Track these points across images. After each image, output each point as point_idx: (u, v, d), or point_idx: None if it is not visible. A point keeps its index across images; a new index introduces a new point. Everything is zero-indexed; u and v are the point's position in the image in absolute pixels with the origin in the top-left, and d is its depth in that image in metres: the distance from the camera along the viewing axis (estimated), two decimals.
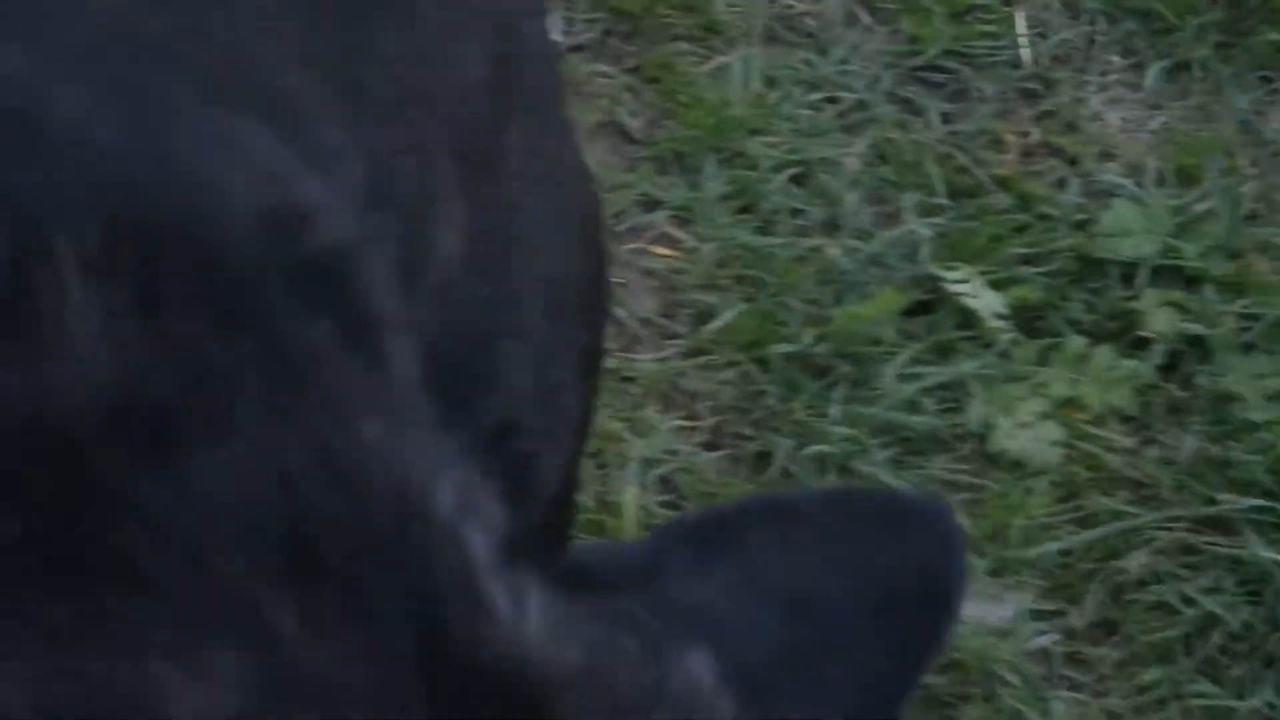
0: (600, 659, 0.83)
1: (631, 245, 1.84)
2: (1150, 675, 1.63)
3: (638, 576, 0.81)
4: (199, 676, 0.62)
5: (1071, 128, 2.02)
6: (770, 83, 1.94)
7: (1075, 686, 1.65)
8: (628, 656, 0.71)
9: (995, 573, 1.68)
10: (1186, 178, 1.96)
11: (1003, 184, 1.94)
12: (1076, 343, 1.82)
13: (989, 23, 2.04)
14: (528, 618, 0.67)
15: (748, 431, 1.78)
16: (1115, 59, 2.07)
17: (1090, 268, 1.89)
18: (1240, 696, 1.64)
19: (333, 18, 0.92)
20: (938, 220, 1.90)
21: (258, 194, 0.72)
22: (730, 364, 1.80)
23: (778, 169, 1.90)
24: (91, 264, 0.65)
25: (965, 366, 1.80)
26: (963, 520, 1.70)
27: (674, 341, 1.81)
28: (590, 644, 0.71)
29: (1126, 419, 1.80)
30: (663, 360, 1.80)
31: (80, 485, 0.62)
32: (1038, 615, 1.66)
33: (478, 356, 0.98)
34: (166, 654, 0.63)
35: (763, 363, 1.79)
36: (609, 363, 1.70)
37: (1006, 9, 2.08)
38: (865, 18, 2.04)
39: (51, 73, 0.75)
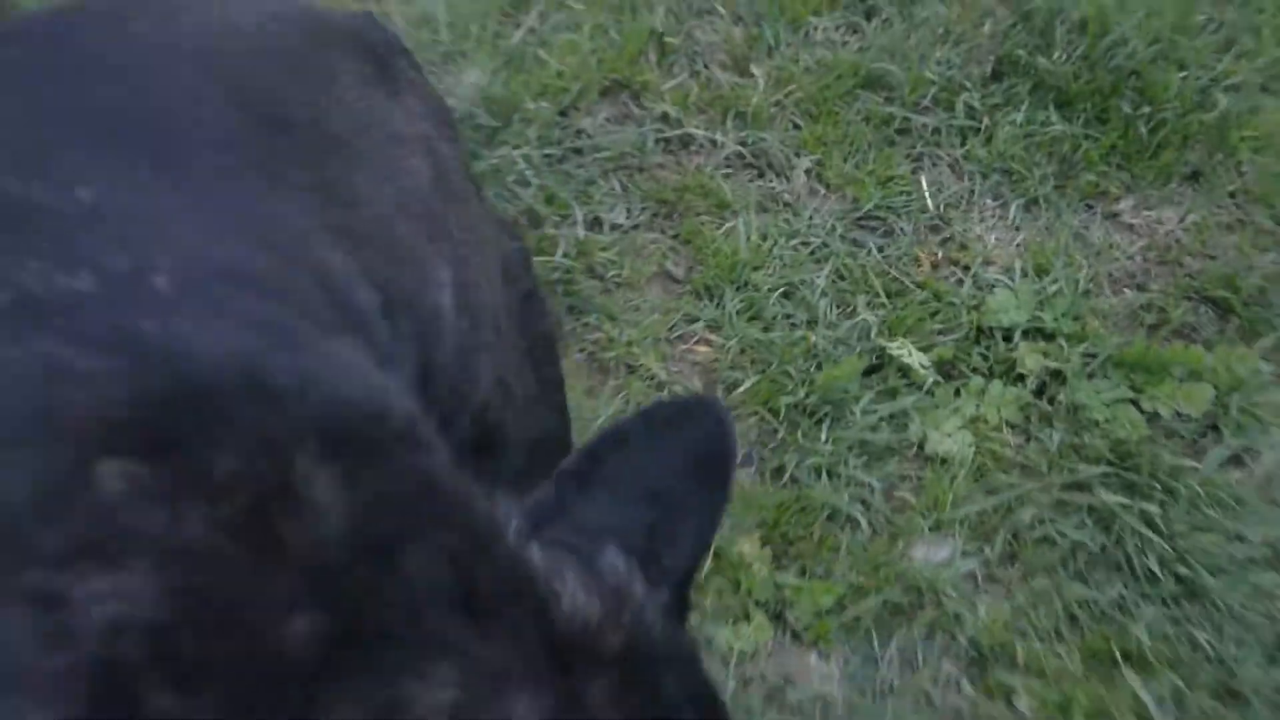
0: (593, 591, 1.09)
1: (683, 347, 2.14)
2: (1040, 583, 1.97)
3: (551, 514, 1.16)
4: (438, 684, 0.92)
5: (964, 247, 2.33)
6: (764, 236, 2.25)
7: (993, 595, 1.95)
8: (587, 576, 1.10)
9: (936, 528, 2.00)
10: (1041, 272, 2.29)
11: (921, 286, 2.25)
12: (978, 381, 2.15)
13: (904, 185, 2.39)
14: (575, 593, 1.04)
15: (767, 455, 2.06)
16: (989, 201, 2.41)
17: (982, 334, 2.21)
18: (1101, 591, 1.97)
19: (327, 188, 1.27)
20: (880, 312, 2.20)
21: (365, 392, 1.08)
22: (754, 414, 2.07)
23: (773, 290, 2.19)
24: (316, 461, 0.96)
25: (906, 401, 2.11)
26: (911, 498, 2.05)
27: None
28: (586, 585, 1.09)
29: (1014, 426, 2.11)
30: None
31: (354, 591, 0.92)
32: (965, 553, 1.98)
33: (467, 369, 1.39)
34: (419, 673, 0.93)
35: (774, 411, 2.08)
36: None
37: (915, 175, 2.41)
38: (821, 189, 2.36)
39: (256, 345, 1.04)
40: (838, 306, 2.26)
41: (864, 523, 2.02)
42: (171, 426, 0.90)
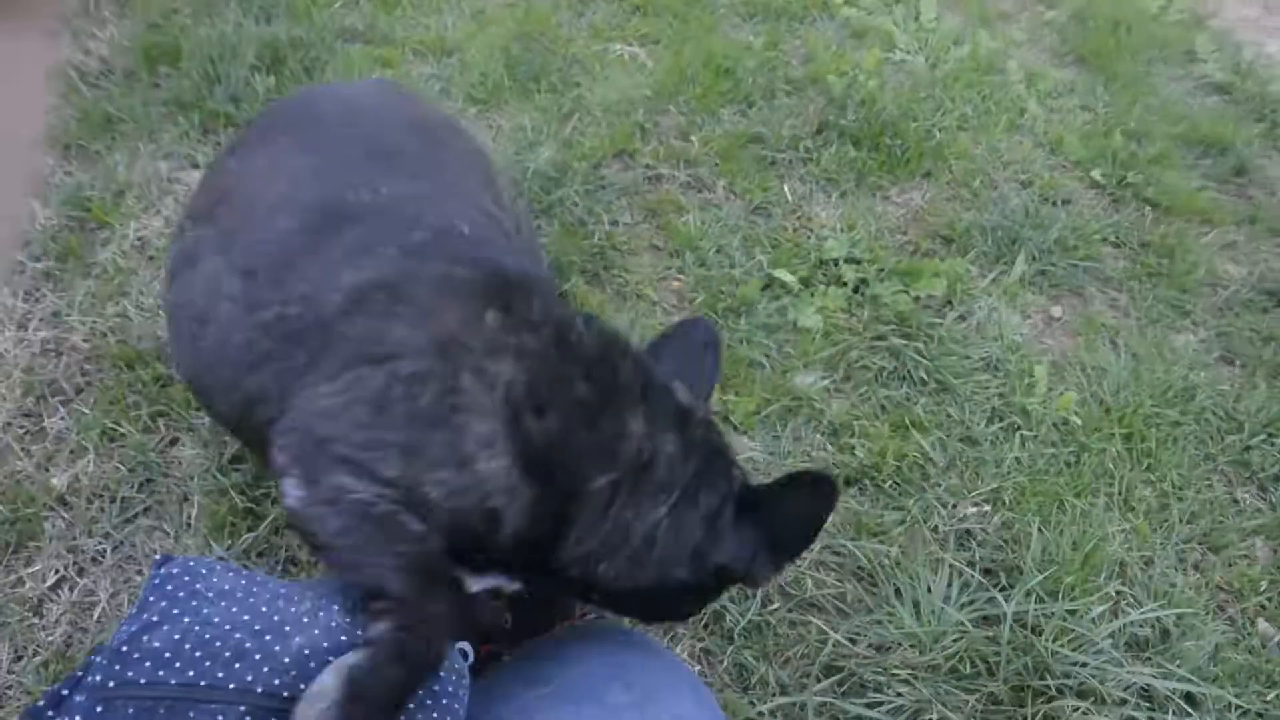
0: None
1: (664, 282, 1.96)
2: (864, 390, 1.80)
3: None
4: (637, 422, 0.94)
5: (810, 219, 2.15)
6: (703, 223, 2.07)
7: (839, 399, 1.78)
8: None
9: (806, 366, 1.82)
10: (851, 229, 2.11)
11: (789, 241, 2.07)
12: (821, 288, 1.97)
13: (776, 191, 2.21)
14: (682, 393, 1.03)
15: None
16: (821, 195, 2.22)
17: (823, 263, 2.02)
18: (896, 391, 1.80)
19: (478, 173, 1.22)
20: (768, 256, 2.02)
21: (532, 268, 1.06)
22: (706, 313, 1.88)
23: (710, 250, 2.01)
24: (571, 315, 0.99)
25: (785, 301, 1.93)
26: (792, 351, 1.85)
27: (683, 311, 1.91)
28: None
29: (843, 309, 1.93)
30: (683, 314, 1.88)
31: (600, 374, 0.96)
32: (823, 378, 1.80)
33: (535, 256, 1.30)
34: (632, 414, 0.95)
35: (716, 312, 1.89)
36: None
37: (781, 185, 2.23)
38: (733, 196, 2.19)
39: (517, 261, 1.04)
40: (746, 255, 2.07)
41: (768, 366, 1.84)
42: (508, 298, 0.94)
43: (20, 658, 1.30)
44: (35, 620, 1.34)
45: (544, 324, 0.95)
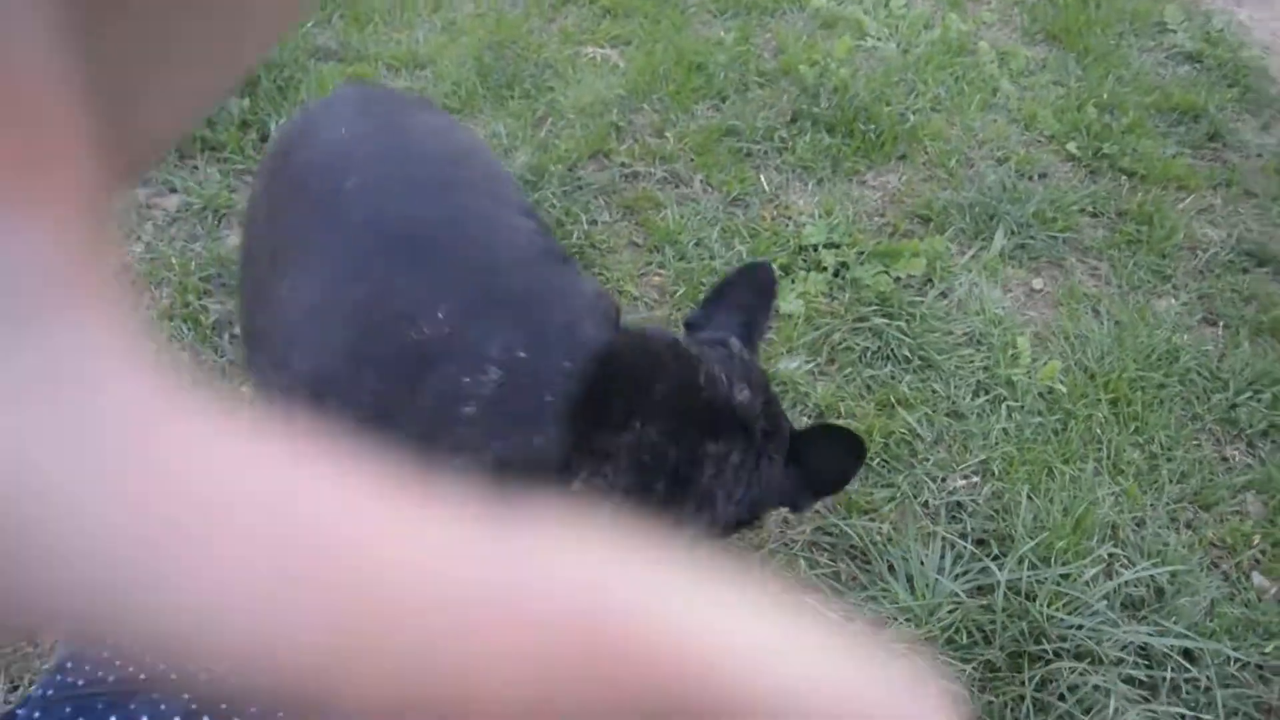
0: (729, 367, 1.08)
1: (645, 277, 1.96)
2: (848, 371, 1.79)
3: (701, 325, 1.18)
4: (698, 454, 0.99)
5: (787, 207, 2.15)
6: (682, 217, 2.06)
7: (824, 381, 1.78)
8: (725, 354, 1.09)
9: (789, 351, 1.82)
10: (829, 214, 2.10)
11: (768, 230, 2.06)
12: (802, 274, 1.96)
13: (752, 182, 2.20)
14: (712, 364, 1.04)
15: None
16: (797, 183, 2.22)
17: (803, 249, 2.02)
18: (880, 370, 1.80)
19: (514, 197, 1.19)
20: (748, 246, 2.01)
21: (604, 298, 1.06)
22: (688, 305, 1.84)
23: (689, 243, 2.00)
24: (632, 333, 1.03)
25: None
26: (774, 337, 1.84)
27: (665, 305, 1.90)
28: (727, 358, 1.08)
29: (824, 293, 1.93)
30: (665, 308, 1.89)
31: (665, 368, 0.99)
32: (807, 361, 1.80)
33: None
34: (692, 444, 0.99)
35: (696, 301, 1.82)
36: (658, 312, 1.98)
37: (757, 175, 2.22)
38: (710, 189, 2.18)
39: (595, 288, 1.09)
40: (725, 246, 2.06)
41: None
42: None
43: (16, 687, 1.29)
44: (30, 649, 1.33)
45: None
